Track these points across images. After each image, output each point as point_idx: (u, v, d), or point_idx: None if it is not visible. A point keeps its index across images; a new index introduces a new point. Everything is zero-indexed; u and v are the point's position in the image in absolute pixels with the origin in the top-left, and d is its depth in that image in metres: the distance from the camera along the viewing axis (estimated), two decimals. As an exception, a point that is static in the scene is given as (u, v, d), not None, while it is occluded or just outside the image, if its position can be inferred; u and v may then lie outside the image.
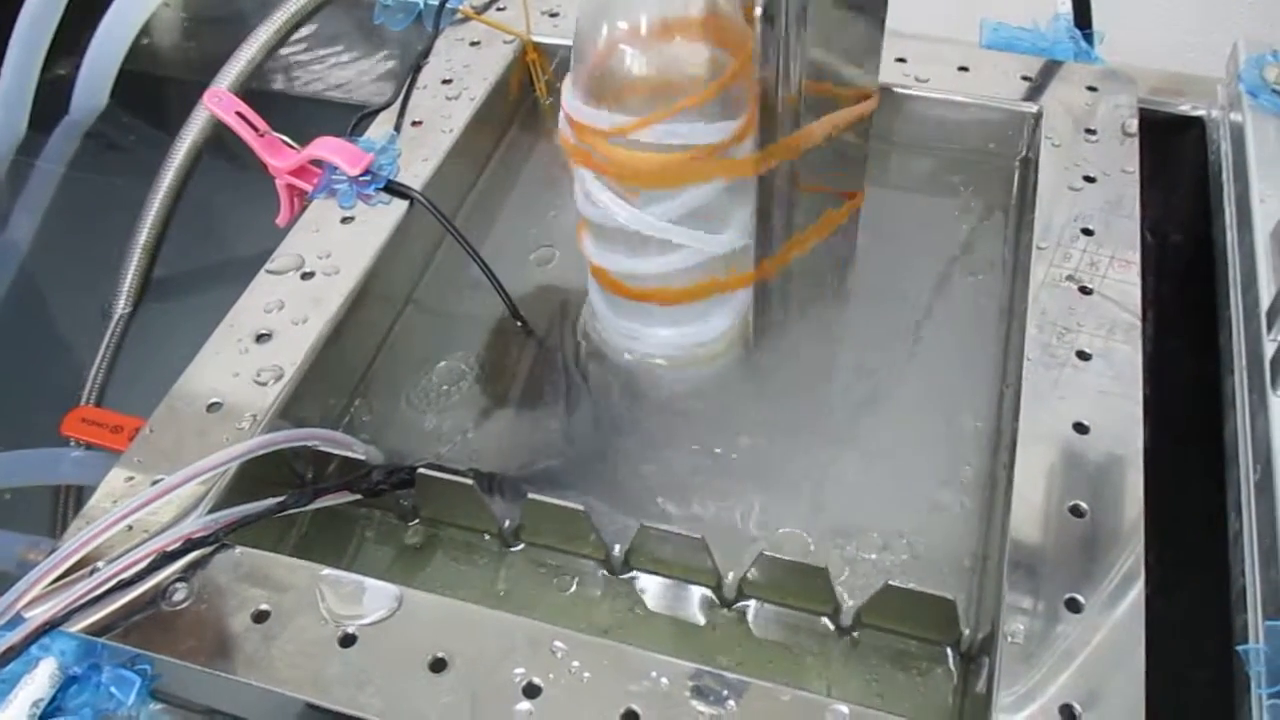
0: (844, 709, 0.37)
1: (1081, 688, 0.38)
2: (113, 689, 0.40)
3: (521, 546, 0.48)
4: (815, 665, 0.44)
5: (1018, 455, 0.45)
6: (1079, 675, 0.38)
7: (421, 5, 0.70)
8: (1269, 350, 0.47)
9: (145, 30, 0.78)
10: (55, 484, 0.57)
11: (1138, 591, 0.40)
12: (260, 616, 0.40)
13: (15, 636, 0.38)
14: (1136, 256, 0.53)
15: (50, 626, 0.39)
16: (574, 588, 0.47)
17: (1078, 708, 0.37)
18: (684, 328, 0.54)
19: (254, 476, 0.46)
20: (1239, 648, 0.40)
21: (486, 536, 0.49)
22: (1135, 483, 0.44)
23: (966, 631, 0.44)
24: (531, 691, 0.38)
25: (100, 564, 0.41)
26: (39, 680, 0.40)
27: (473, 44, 0.68)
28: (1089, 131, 0.60)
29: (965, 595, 0.45)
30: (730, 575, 0.45)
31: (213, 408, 0.47)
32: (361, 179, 0.57)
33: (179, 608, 0.41)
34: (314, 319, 0.51)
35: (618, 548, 0.46)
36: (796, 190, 0.52)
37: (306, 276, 0.53)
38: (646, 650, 0.39)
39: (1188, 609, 0.44)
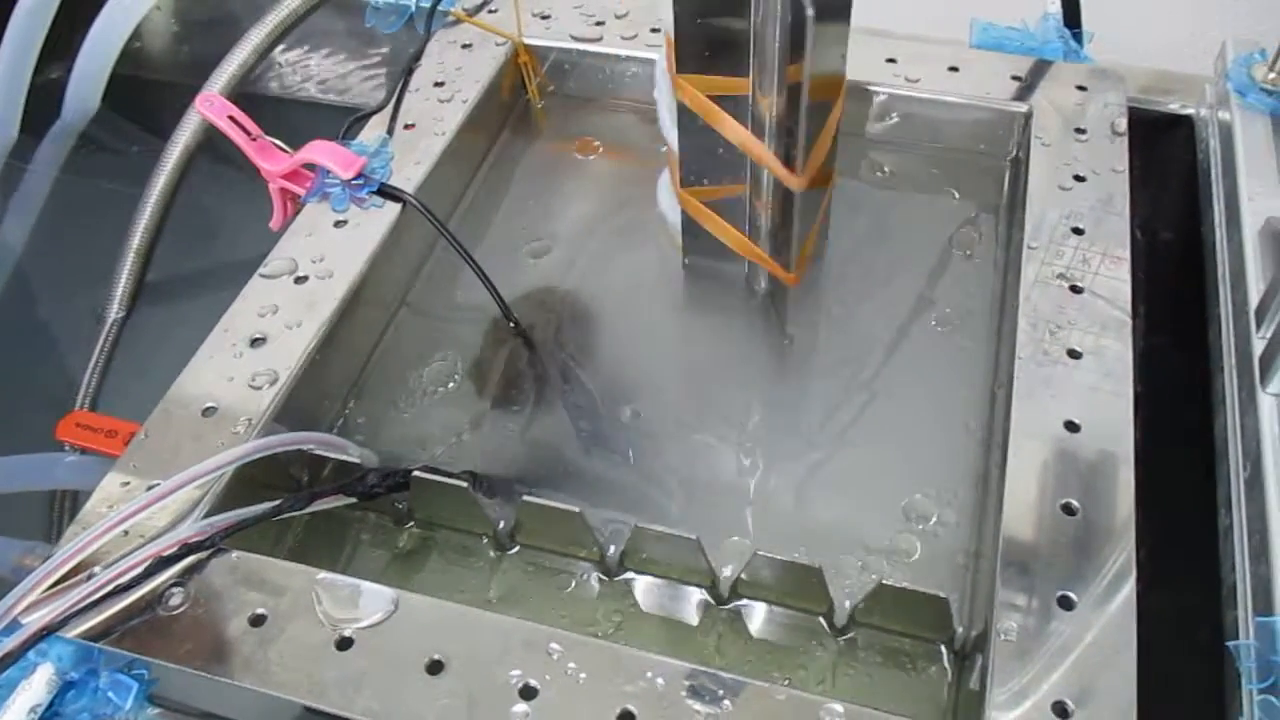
0: (839, 707, 0.38)
1: (1074, 684, 0.38)
2: (110, 694, 0.40)
3: (516, 548, 0.48)
4: (810, 664, 0.44)
5: (1009, 454, 0.45)
6: (1071, 672, 0.38)
7: (413, 8, 0.70)
8: (1258, 348, 0.48)
9: (136, 34, 0.78)
10: (50, 489, 0.57)
11: (1129, 588, 0.40)
12: (257, 620, 0.40)
13: (12, 642, 0.39)
14: (1127, 255, 0.53)
15: (47, 632, 0.39)
16: (569, 589, 0.47)
17: (1070, 704, 0.37)
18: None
19: (249, 480, 0.46)
20: (1229, 644, 0.40)
21: (482, 539, 0.49)
22: (1126, 480, 0.44)
23: (960, 629, 0.44)
24: (528, 693, 0.38)
25: (97, 569, 0.41)
26: (36, 686, 0.40)
27: (464, 47, 0.68)
28: (1079, 131, 0.60)
29: (959, 593, 0.45)
30: (725, 574, 0.46)
31: (208, 412, 0.47)
32: (354, 182, 0.57)
33: (176, 612, 0.41)
34: (308, 323, 0.51)
35: (613, 548, 0.47)
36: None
37: (300, 280, 0.53)
38: (642, 651, 0.40)
39: (1179, 605, 0.44)
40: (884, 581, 0.42)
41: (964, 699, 0.43)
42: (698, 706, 0.38)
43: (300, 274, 0.54)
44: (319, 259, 0.54)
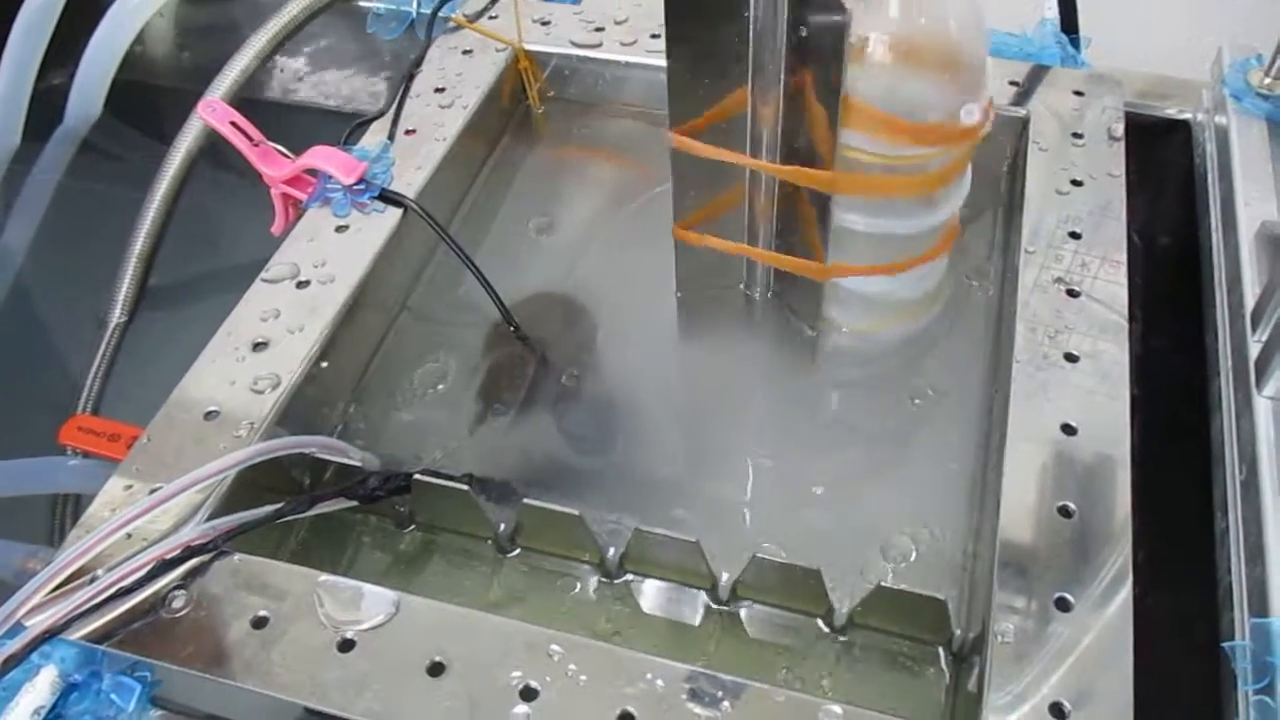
0: (837, 709, 0.38)
1: (1071, 686, 0.38)
2: (113, 696, 0.40)
3: (517, 551, 0.49)
4: (809, 666, 0.45)
5: (1006, 456, 0.45)
6: (1069, 673, 0.39)
7: (414, 14, 0.71)
8: (1253, 351, 0.48)
9: (139, 39, 0.78)
10: (53, 493, 0.57)
11: (1126, 590, 0.41)
12: (259, 622, 0.41)
13: (16, 644, 0.39)
14: (1124, 259, 0.53)
15: (51, 634, 0.40)
16: (570, 591, 0.47)
17: (1067, 705, 0.38)
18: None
19: (252, 484, 0.46)
20: (1225, 645, 0.40)
21: (483, 542, 0.49)
22: (1123, 483, 0.44)
23: (958, 632, 0.44)
24: (529, 694, 0.38)
25: (100, 572, 0.41)
26: (40, 688, 0.40)
27: (465, 53, 0.68)
28: (1076, 135, 0.60)
29: (956, 595, 0.46)
30: (725, 577, 0.46)
31: (210, 416, 0.48)
32: (356, 187, 0.57)
33: (178, 614, 0.41)
34: (310, 327, 0.52)
35: (613, 551, 0.47)
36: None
37: (302, 285, 0.54)
38: (642, 653, 0.40)
39: (1175, 607, 0.44)
40: (882, 583, 0.43)
41: (961, 700, 0.43)
42: (697, 708, 0.38)
43: (302, 278, 0.54)
44: (320, 264, 0.55)
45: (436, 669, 0.39)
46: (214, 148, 0.66)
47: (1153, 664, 0.39)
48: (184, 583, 0.42)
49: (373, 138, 0.62)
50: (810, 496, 0.50)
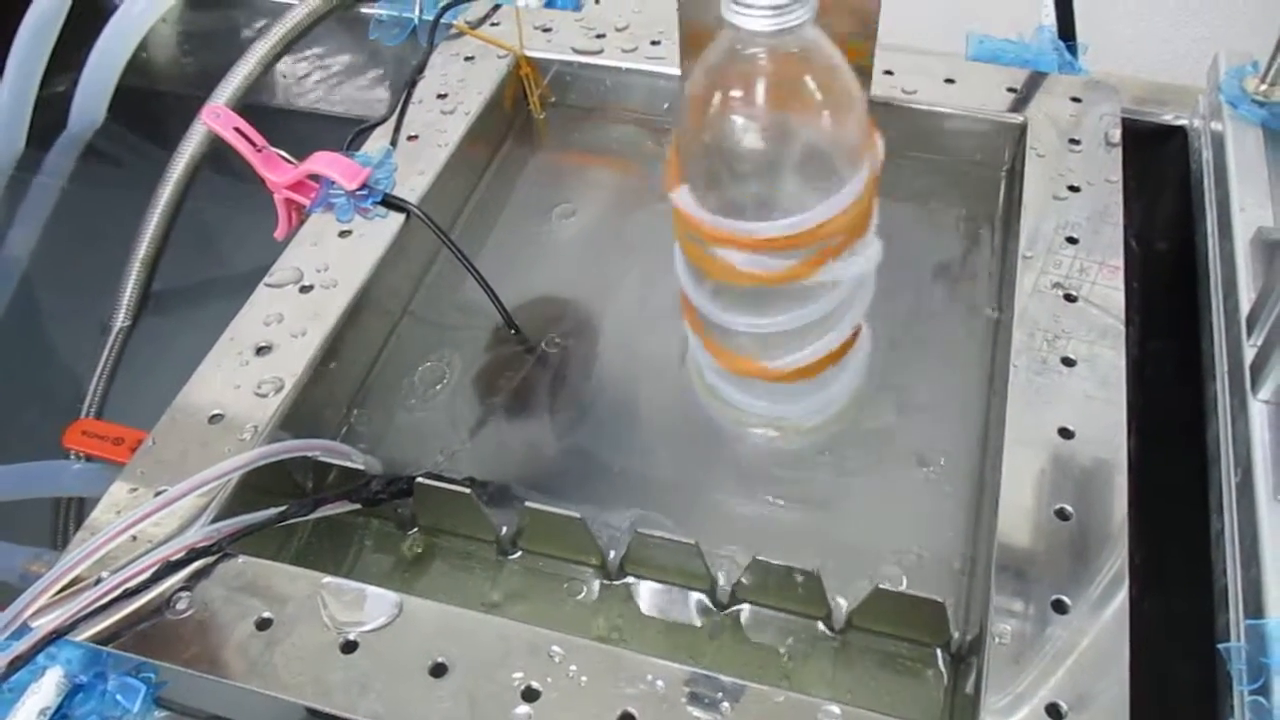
0: (836, 710, 0.38)
1: (1068, 687, 0.39)
2: (118, 697, 0.41)
3: (519, 553, 0.49)
4: (808, 668, 0.45)
5: (1004, 460, 0.46)
6: (1065, 675, 0.39)
7: (416, 21, 0.71)
8: (1249, 355, 0.48)
9: (142, 45, 0.79)
10: (56, 496, 0.57)
11: (1123, 592, 0.41)
12: (263, 624, 0.41)
13: (22, 646, 0.39)
14: (1121, 264, 0.54)
15: (56, 635, 0.40)
16: (571, 593, 0.48)
17: (1064, 706, 0.38)
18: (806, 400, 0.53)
19: (255, 487, 0.47)
20: (1221, 646, 0.41)
21: (484, 544, 0.49)
22: (1120, 486, 0.44)
23: (956, 634, 0.44)
24: (530, 695, 0.39)
25: (105, 574, 0.41)
26: (46, 689, 0.40)
27: (467, 59, 0.69)
28: (1073, 141, 0.61)
29: (954, 598, 0.46)
30: (724, 579, 0.46)
31: (214, 419, 0.48)
32: (358, 193, 0.57)
33: (183, 616, 0.41)
34: (313, 331, 0.52)
35: (613, 553, 0.47)
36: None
37: (305, 289, 0.54)
38: (642, 654, 0.40)
39: (1172, 609, 0.45)
40: (881, 586, 0.43)
41: (959, 702, 0.43)
42: (697, 709, 0.38)
43: (305, 283, 0.54)
44: (324, 268, 0.55)
45: (439, 670, 0.40)
46: (217, 153, 0.67)
47: (1149, 665, 0.39)
48: (188, 585, 0.42)
49: (375, 143, 0.62)
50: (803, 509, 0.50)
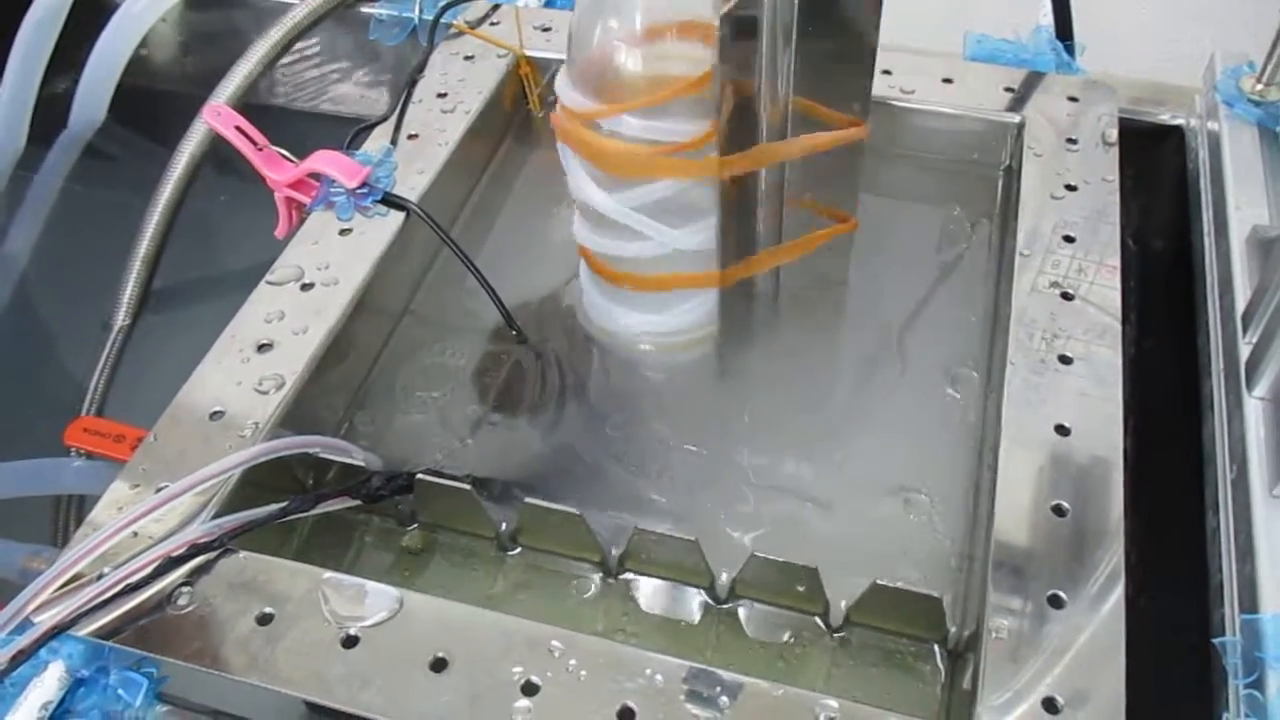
0: (834, 704, 0.38)
1: (1064, 681, 0.39)
2: (120, 691, 0.41)
3: (518, 550, 0.49)
4: (806, 663, 0.45)
5: (1001, 457, 0.46)
6: (1062, 669, 0.39)
7: (416, 20, 0.72)
8: (1244, 353, 0.49)
9: (143, 44, 0.79)
10: (57, 494, 0.57)
11: (1119, 588, 0.41)
12: (264, 619, 0.41)
13: (24, 640, 0.39)
14: (1117, 262, 0.54)
15: (59, 630, 0.40)
16: (570, 589, 0.48)
17: (1061, 701, 0.38)
18: (650, 315, 0.56)
19: (256, 483, 0.47)
20: (1216, 640, 0.41)
21: (485, 541, 0.49)
22: (1116, 482, 0.45)
23: (953, 629, 0.45)
24: (530, 690, 0.39)
25: (107, 569, 0.42)
26: (48, 683, 0.41)
27: (467, 58, 0.69)
28: (1070, 141, 0.61)
29: (952, 593, 0.46)
30: (723, 576, 0.46)
31: (215, 416, 0.48)
32: (359, 191, 0.58)
33: (184, 611, 0.42)
34: (314, 329, 0.52)
35: (613, 550, 0.47)
36: (782, 204, 0.53)
37: (306, 287, 0.54)
38: (642, 649, 0.40)
39: (1167, 604, 0.45)
40: (879, 582, 0.43)
41: (957, 697, 0.43)
42: (696, 703, 0.39)
43: (306, 281, 0.54)
44: (324, 266, 0.55)
45: (439, 664, 0.40)
46: (217, 152, 0.67)
47: (1145, 659, 0.39)
48: (190, 580, 0.43)
49: (376, 142, 0.62)
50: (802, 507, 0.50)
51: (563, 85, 0.50)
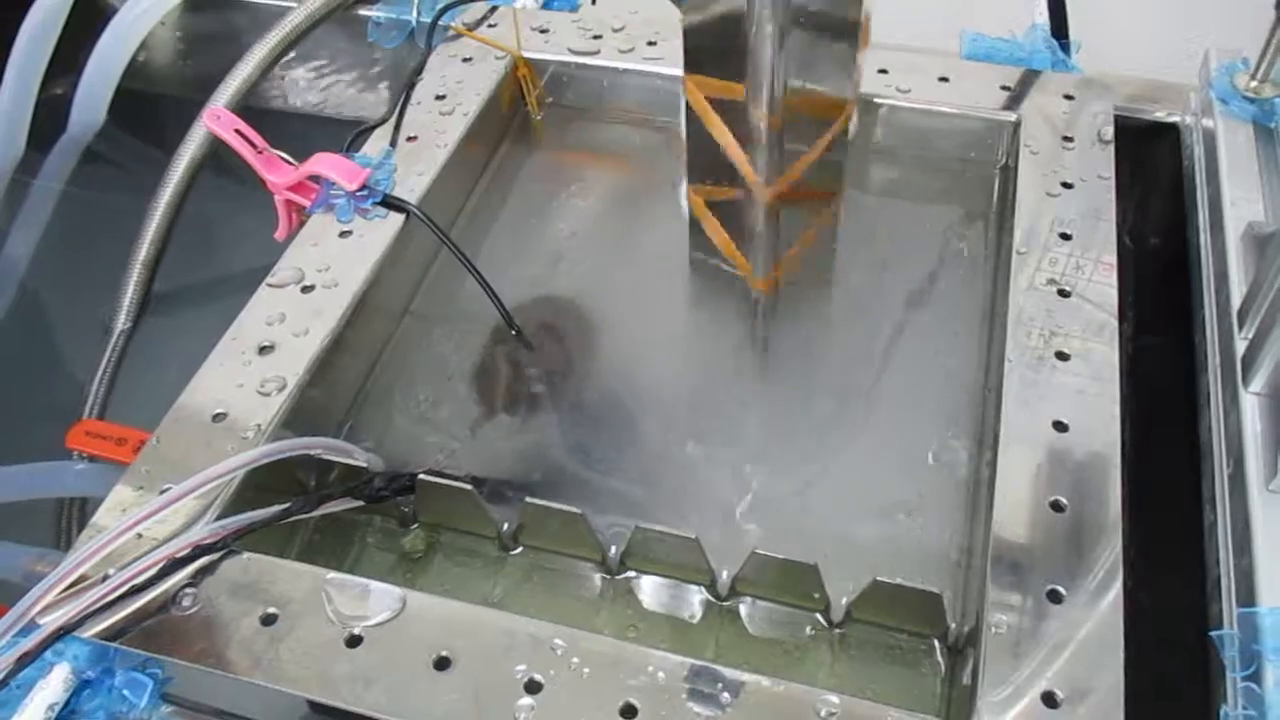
0: (834, 699, 0.39)
1: (1063, 675, 0.39)
2: (125, 692, 0.41)
3: (520, 550, 0.49)
4: (807, 659, 0.45)
5: (999, 453, 0.46)
6: (1061, 664, 0.39)
7: (414, 23, 0.72)
8: (1240, 348, 0.49)
9: (142, 48, 0.79)
10: (60, 496, 0.57)
11: (1117, 582, 0.41)
12: (268, 619, 0.41)
13: (30, 642, 0.40)
14: (1114, 259, 0.54)
15: (64, 632, 0.40)
16: (572, 588, 0.48)
17: (1060, 695, 0.39)
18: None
19: (259, 485, 0.47)
20: (1214, 634, 0.41)
21: (487, 540, 0.50)
22: (1114, 478, 0.45)
23: (953, 625, 0.45)
24: (533, 687, 0.39)
25: (111, 571, 0.42)
26: (53, 685, 0.41)
27: (465, 60, 0.69)
28: (1066, 139, 0.61)
29: (952, 589, 0.47)
30: (724, 573, 0.47)
31: (218, 418, 0.49)
32: (359, 194, 0.58)
33: (189, 612, 0.42)
34: (315, 331, 0.52)
35: (614, 549, 0.48)
36: (782, 205, 0.54)
37: (307, 289, 0.54)
38: (644, 647, 0.41)
39: (1165, 598, 0.45)
40: (879, 578, 0.43)
41: (956, 692, 0.44)
42: (698, 700, 0.39)
43: (307, 283, 0.55)
44: (325, 268, 0.55)
45: (442, 663, 0.40)
46: (217, 155, 0.67)
47: (1144, 653, 0.39)
48: (194, 581, 0.43)
49: (375, 144, 0.62)
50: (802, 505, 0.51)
51: None
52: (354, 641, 0.41)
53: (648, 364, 0.58)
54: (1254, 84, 0.61)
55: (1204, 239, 0.57)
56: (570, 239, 0.64)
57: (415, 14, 0.72)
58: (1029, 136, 0.62)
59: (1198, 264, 0.57)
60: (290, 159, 0.58)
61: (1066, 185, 0.59)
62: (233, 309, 0.54)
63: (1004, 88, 0.65)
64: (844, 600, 0.46)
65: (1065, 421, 0.47)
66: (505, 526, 0.49)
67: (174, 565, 0.43)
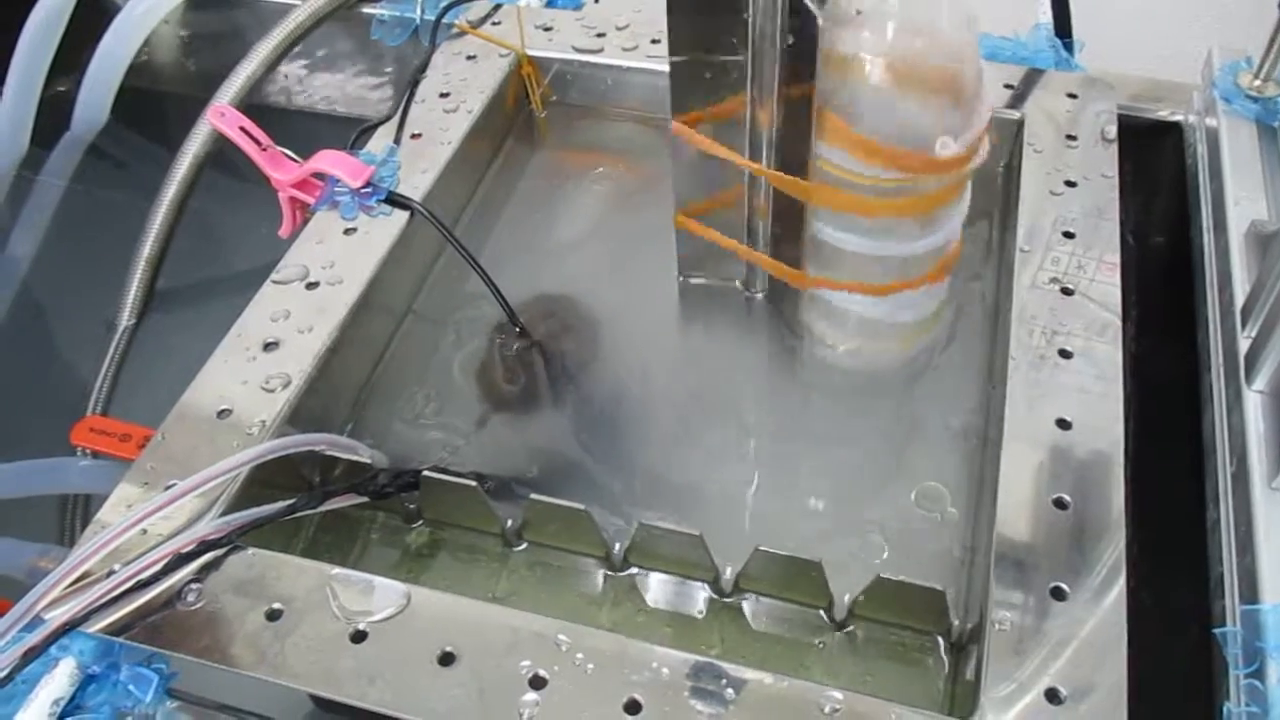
0: (838, 695, 0.39)
1: (1067, 672, 0.39)
2: (131, 687, 0.41)
3: (524, 546, 0.50)
4: (810, 656, 0.46)
5: (1003, 451, 0.46)
6: (1064, 661, 0.40)
7: (418, 20, 0.72)
8: (1243, 346, 0.49)
9: (145, 46, 0.79)
10: (64, 493, 0.58)
11: (1120, 580, 0.41)
12: (273, 615, 0.41)
13: (35, 637, 0.40)
14: (1117, 258, 0.54)
15: (69, 627, 0.40)
16: (576, 584, 0.48)
17: (1064, 692, 0.39)
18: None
19: (263, 481, 0.47)
20: (1217, 631, 0.41)
21: (491, 537, 0.50)
22: (1117, 475, 0.45)
23: (956, 622, 0.45)
24: (537, 683, 0.39)
25: (117, 566, 0.42)
26: (59, 679, 0.41)
27: (469, 58, 0.69)
28: (1070, 138, 0.61)
29: (955, 586, 0.47)
30: (728, 570, 0.47)
31: (222, 414, 0.49)
32: (363, 191, 0.58)
33: (194, 607, 0.42)
34: (319, 328, 0.52)
35: (618, 545, 0.48)
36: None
37: (311, 286, 0.55)
38: (648, 643, 0.41)
39: (1168, 595, 0.45)
40: (882, 575, 0.44)
41: (960, 688, 0.44)
42: (702, 696, 0.39)
43: (311, 280, 0.55)
44: (329, 265, 0.56)
45: (447, 659, 0.40)
46: (221, 153, 0.67)
47: (1147, 650, 0.39)
48: (199, 577, 0.43)
49: (379, 142, 0.63)
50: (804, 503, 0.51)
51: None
52: (359, 637, 0.41)
53: (652, 360, 0.58)
54: (1257, 83, 0.61)
55: (1207, 238, 0.57)
56: (575, 236, 0.65)
57: (419, 11, 0.72)
58: (1032, 135, 0.62)
59: (1201, 262, 0.57)
60: (295, 156, 0.58)
61: (1070, 184, 0.59)
62: (237, 306, 0.54)
63: (1007, 86, 0.65)
64: (847, 597, 0.46)
65: (1068, 419, 0.47)
66: (509, 523, 0.49)
67: (179, 561, 0.43)
